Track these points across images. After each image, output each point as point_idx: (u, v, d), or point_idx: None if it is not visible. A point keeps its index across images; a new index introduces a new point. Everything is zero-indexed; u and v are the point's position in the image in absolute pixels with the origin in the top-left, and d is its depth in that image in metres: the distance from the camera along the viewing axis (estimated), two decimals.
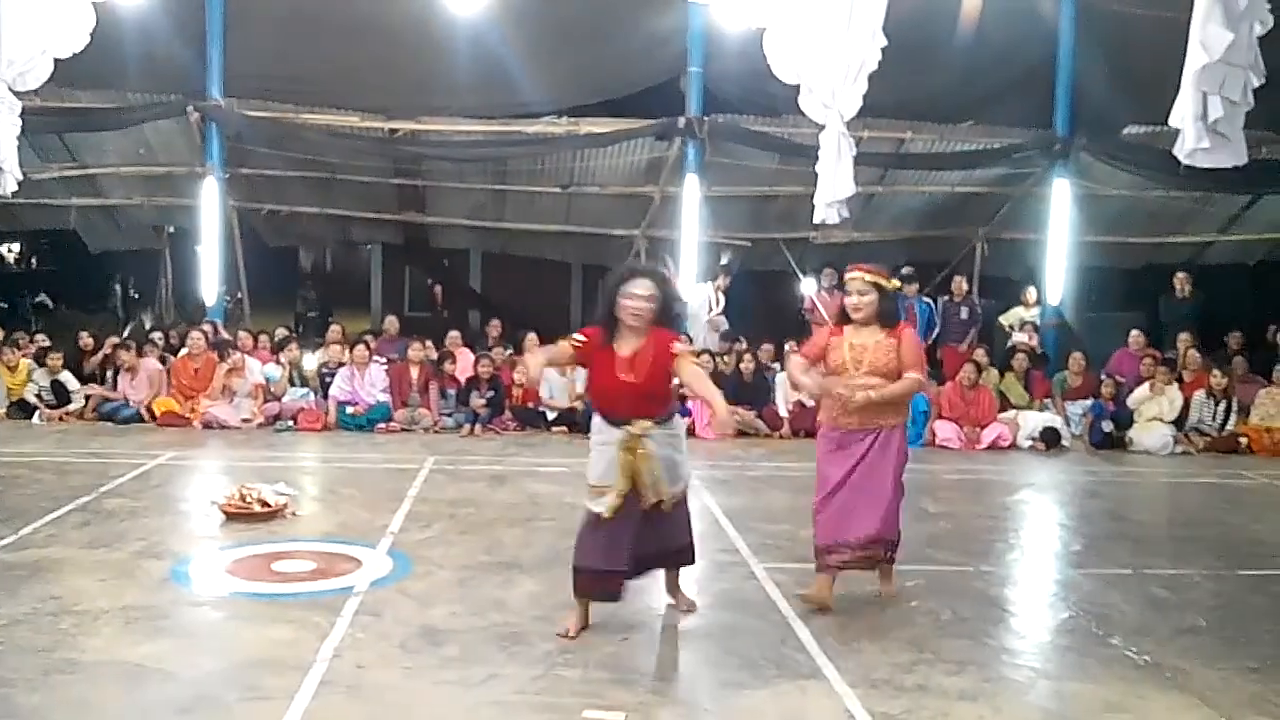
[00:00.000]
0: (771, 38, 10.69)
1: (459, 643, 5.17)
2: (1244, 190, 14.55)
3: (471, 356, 12.64)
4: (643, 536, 5.19)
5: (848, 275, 5.82)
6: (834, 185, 10.81)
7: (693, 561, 5.59)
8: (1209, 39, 5.99)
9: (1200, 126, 6.05)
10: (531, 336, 12.75)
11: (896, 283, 6.04)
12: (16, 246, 29.36)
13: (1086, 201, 14.65)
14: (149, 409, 11.66)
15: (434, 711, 4.42)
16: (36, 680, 4.59)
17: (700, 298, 13.74)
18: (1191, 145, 6.21)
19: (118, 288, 21.00)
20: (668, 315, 5.19)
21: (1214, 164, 6.25)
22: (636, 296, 5.09)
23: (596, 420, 5.31)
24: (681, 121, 13.61)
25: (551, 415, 11.86)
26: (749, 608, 5.84)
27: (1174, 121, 6.35)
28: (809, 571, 6.22)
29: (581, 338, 5.23)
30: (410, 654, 5.03)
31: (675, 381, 5.31)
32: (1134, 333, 13.21)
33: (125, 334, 14.37)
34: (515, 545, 6.99)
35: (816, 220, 11.67)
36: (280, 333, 13.52)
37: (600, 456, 5.20)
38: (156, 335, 13.19)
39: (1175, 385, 12.07)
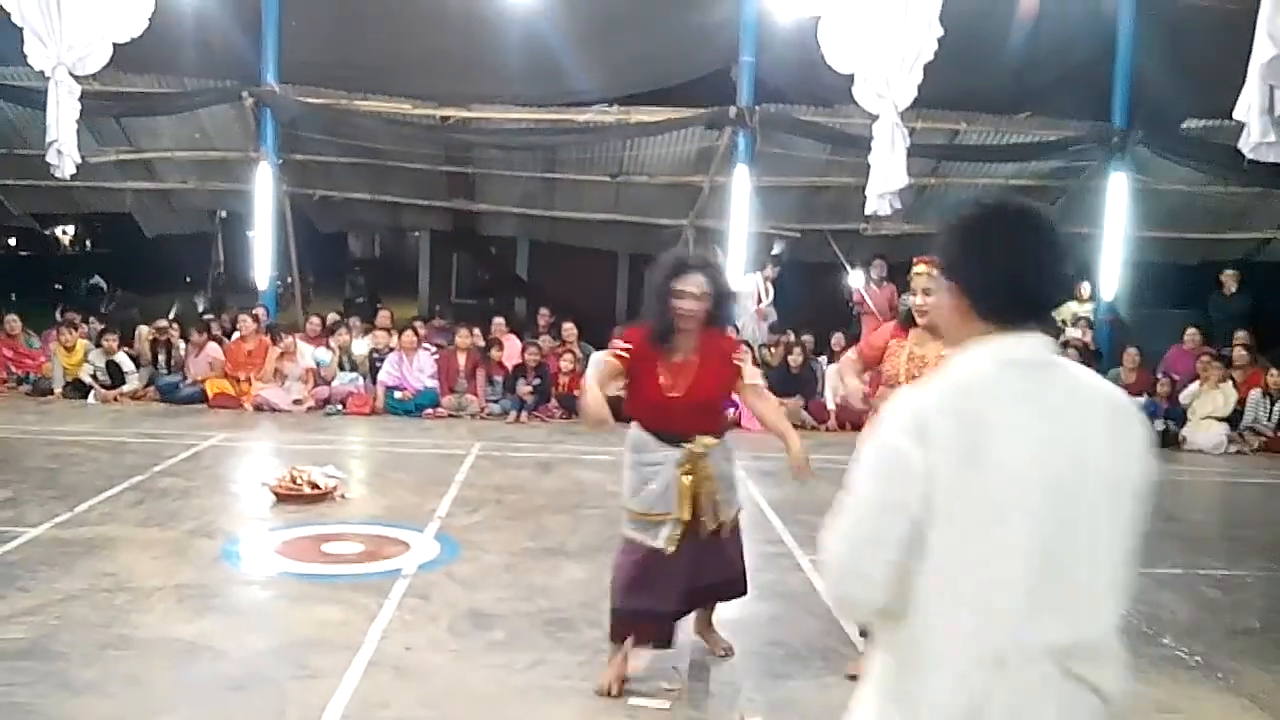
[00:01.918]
0: (827, 27, 10.64)
1: (505, 627, 5.21)
2: None
3: (518, 344, 12.70)
4: (698, 569, 4.49)
5: (914, 270, 4.79)
6: (886, 176, 10.75)
7: (745, 592, 4.84)
8: (1276, 30, 5.86)
9: (1266, 120, 5.94)
10: (569, 327, 12.79)
11: None
12: (71, 229, 29.87)
13: (1143, 196, 14.40)
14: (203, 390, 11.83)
15: (481, 694, 4.45)
16: (91, 655, 4.67)
17: (749, 287, 13.69)
18: (1257, 139, 6.10)
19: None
20: (721, 314, 4.53)
21: (1279, 158, 6.12)
22: (689, 295, 4.34)
23: (640, 436, 4.50)
24: (732, 111, 13.53)
25: None
26: (794, 599, 5.83)
27: (1239, 115, 6.24)
28: None
29: (625, 345, 4.48)
30: (457, 637, 5.07)
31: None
32: (1189, 330, 13.00)
33: (172, 315, 14.55)
34: (561, 532, 7.02)
35: (868, 211, 11.62)
36: (331, 317, 13.65)
37: (648, 479, 4.43)
38: (205, 317, 13.38)
39: (1229, 383, 11.88)
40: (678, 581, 4.44)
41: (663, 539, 4.40)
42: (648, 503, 4.43)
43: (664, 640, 4.56)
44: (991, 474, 1.87)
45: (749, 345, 12.48)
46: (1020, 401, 1.92)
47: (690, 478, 4.40)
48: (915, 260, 4.85)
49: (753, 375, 4.64)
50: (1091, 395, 1.99)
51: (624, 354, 4.46)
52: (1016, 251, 2.00)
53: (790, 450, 4.50)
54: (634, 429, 4.53)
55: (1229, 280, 13.51)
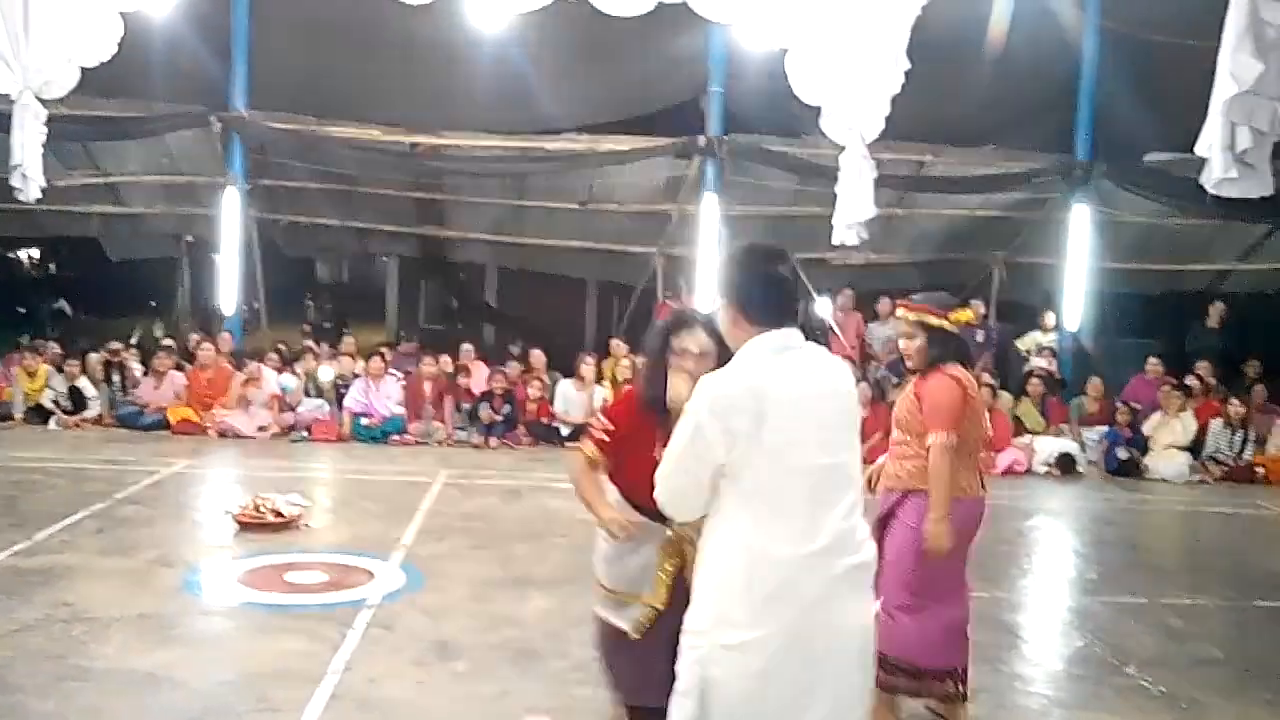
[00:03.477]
0: (794, 58, 10.71)
1: (471, 658, 5.17)
2: (1265, 219, 14.46)
3: (486, 370, 12.67)
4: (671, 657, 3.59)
5: (895, 314, 4.72)
6: (854, 207, 10.83)
7: None
8: (1239, 69, 5.98)
9: (1228, 156, 6.04)
10: (537, 354, 12.78)
11: (962, 314, 4.69)
12: (36, 253, 29.60)
13: (1106, 227, 14.59)
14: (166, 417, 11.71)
15: None
16: (48, 687, 4.60)
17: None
18: (1219, 175, 6.20)
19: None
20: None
21: (1241, 193, 6.24)
22: (689, 354, 3.74)
23: (620, 502, 3.88)
24: (701, 140, 13.62)
25: (566, 430, 11.85)
26: None
27: (1201, 150, 6.34)
28: None
29: (607, 427, 3.88)
30: (422, 668, 5.02)
31: None
32: (1151, 360, 13.15)
33: (134, 340, 14.41)
34: (528, 561, 6.99)
35: (835, 241, 11.68)
36: (297, 344, 13.57)
37: (629, 552, 3.84)
38: (170, 343, 13.25)
39: (1189, 412, 12.01)
40: (665, 669, 3.51)
41: (629, 622, 3.82)
42: (624, 580, 3.85)
43: None
44: (776, 425, 2.80)
45: None
46: (787, 374, 2.88)
47: (674, 560, 3.75)
48: (897, 302, 4.79)
49: None
50: (824, 364, 2.99)
51: (605, 440, 3.86)
52: (771, 275, 2.99)
53: None
54: (616, 494, 3.91)
55: (1215, 313, 13.67)
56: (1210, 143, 6.19)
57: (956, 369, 4.50)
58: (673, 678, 3.50)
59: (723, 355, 3.68)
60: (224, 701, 4.55)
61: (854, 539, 2.90)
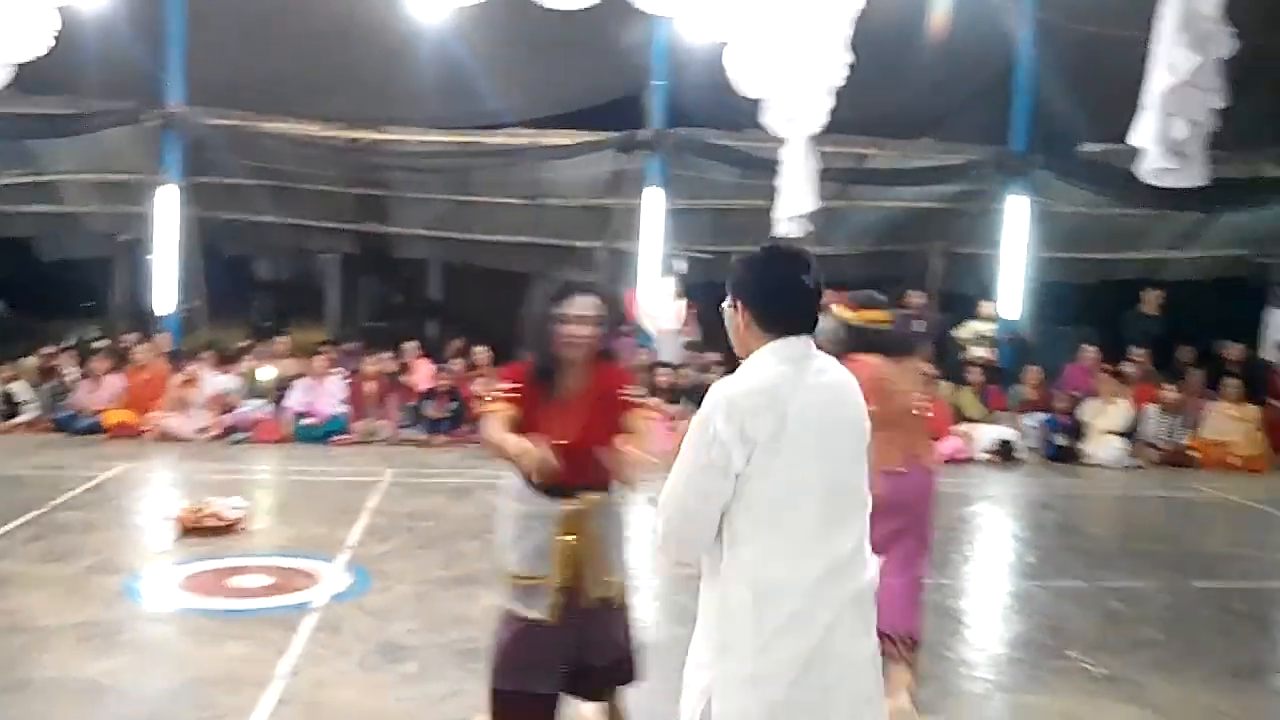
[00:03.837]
0: (733, 52, 10.74)
1: (419, 659, 5.15)
2: (1199, 208, 14.76)
3: (430, 368, 12.58)
4: (583, 646, 3.88)
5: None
6: (796, 200, 10.88)
7: (635, 678, 4.08)
8: (1175, 61, 6.09)
9: (1164, 147, 6.14)
10: (481, 350, 12.72)
11: (873, 314, 4.95)
12: None
13: (1042, 217, 14.81)
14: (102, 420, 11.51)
15: None
16: None
17: (667, 309, 13.79)
18: (1154, 165, 6.31)
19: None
20: (613, 339, 4.00)
21: (1176, 184, 6.35)
22: (578, 319, 3.78)
23: (517, 484, 3.87)
24: (644, 134, 13.64)
25: None
26: None
27: (1136, 141, 6.45)
28: None
29: (514, 386, 3.90)
30: (369, 671, 5.00)
31: None
32: (1087, 347, 13.37)
33: (65, 343, 14.12)
34: (475, 559, 6.96)
35: (778, 234, 11.72)
36: (236, 344, 13.40)
37: (524, 535, 3.86)
38: (104, 344, 13.02)
39: (1126, 398, 12.23)
40: (558, 659, 3.84)
41: (541, 609, 3.80)
42: (524, 563, 3.84)
43: None
44: (793, 437, 2.60)
45: (670, 366, 12.56)
46: (802, 385, 2.67)
47: (569, 539, 3.79)
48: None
49: (642, 400, 4.00)
50: (839, 374, 2.80)
51: (515, 394, 3.86)
52: (794, 281, 2.81)
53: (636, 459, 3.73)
54: (512, 474, 3.90)
55: (1151, 300, 13.93)
56: (1146, 134, 6.29)
57: (857, 358, 4.64)
58: (555, 668, 3.81)
59: (611, 326, 3.92)
60: (170, 709, 4.50)
61: (862, 560, 2.71)
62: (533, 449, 3.63)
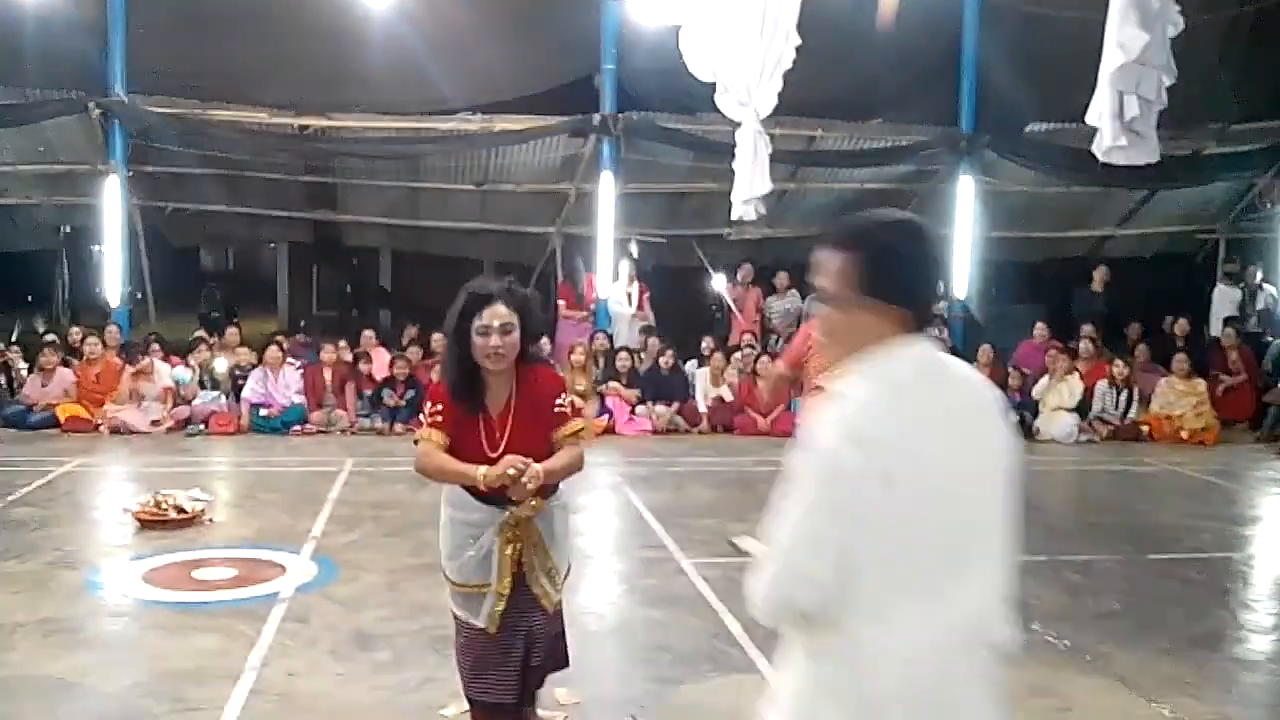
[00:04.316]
0: (687, 35, 10.75)
1: (391, 647, 5.14)
2: (1143, 185, 15.01)
3: (386, 356, 12.51)
4: (529, 650, 3.79)
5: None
6: (750, 183, 10.91)
7: (568, 663, 4.00)
8: (1126, 40, 6.17)
9: (1117, 125, 6.24)
10: (438, 337, 12.65)
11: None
12: None
13: (990, 197, 15.00)
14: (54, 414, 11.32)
15: (370, 717, 4.39)
16: None
17: (620, 293, 13.81)
18: (1109, 143, 6.40)
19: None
20: (533, 341, 3.84)
21: (1129, 161, 6.45)
22: (492, 330, 3.61)
23: (457, 492, 3.73)
24: (596, 119, 13.61)
25: None
26: (680, 603, 5.89)
27: (1090, 120, 6.54)
28: (738, 565, 6.31)
29: (437, 409, 3.74)
30: (341, 660, 4.98)
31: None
32: (1038, 325, 13.57)
33: (13, 337, 13.89)
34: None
35: (734, 217, 11.78)
36: (186, 336, 13.24)
37: (464, 542, 3.73)
38: (52, 338, 12.80)
39: (1076, 375, 12.43)
40: (512, 667, 3.76)
41: (484, 617, 3.72)
42: (465, 572, 3.73)
43: None
44: (926, 469, 2.00)
45: (628, 351, 12.59)
46: (934, 401, 2.07)
47: (513, 546, 3.69)
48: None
49: (572, 427, 3.81)
50: (976, 387, 2.18)
51: (439, 417, 3.71)
52: (925, 262, 2.15)
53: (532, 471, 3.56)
54: (450, 486, 3.79)
55: (1099, 277, 14.17)
56: (1100, 112, 6.39)
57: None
58: (510, 677, 3.72)
59: (527, 329, 3.68)
60: (140, 704, 4.45)
61: (994, 616, 2.09)
62: (489, 470, 3.53)
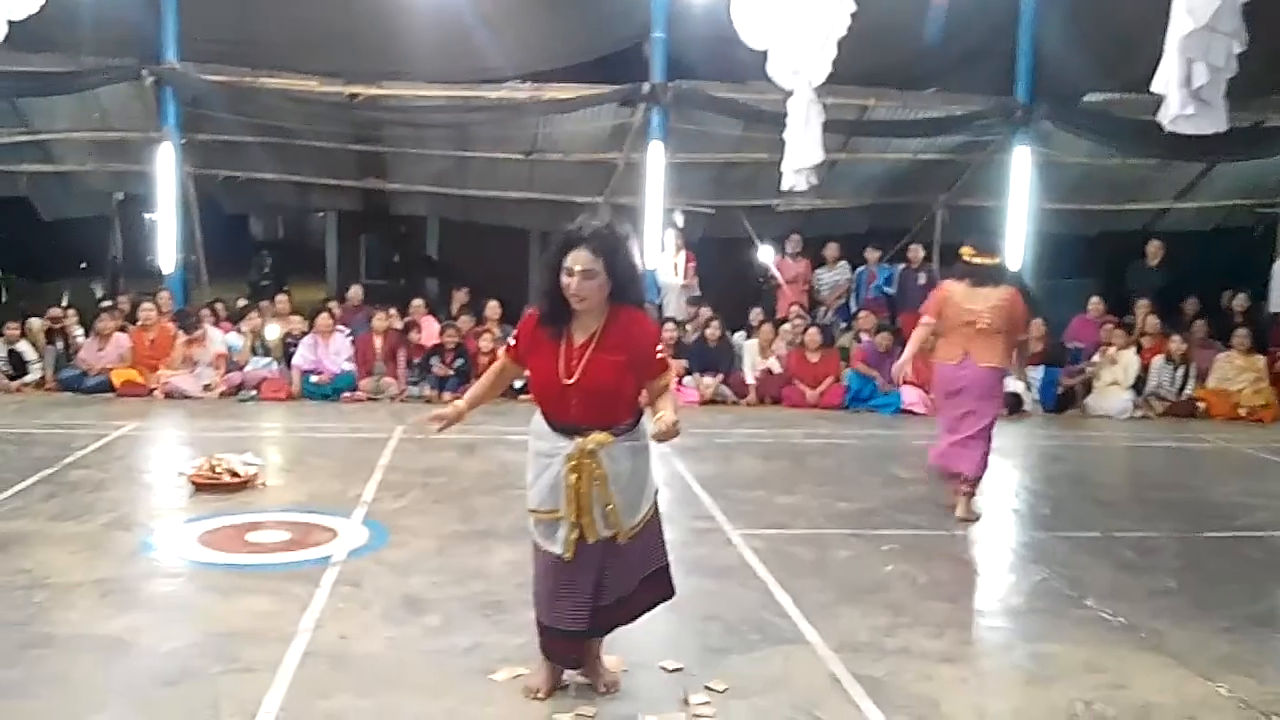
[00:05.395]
0: (740, 3, 10.64)
1: (441, 611, 5.16)
2: (1202, 158, 14.70)
3: (435, 325, 12.56)
4: (601, 583, 4.08)
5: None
6: (802, 152, 10.83)
7: (672, 593, 4.36)
8: (1195, 6, 6.00)
9: (1185, 93, 6.08)
10: (493, 305, 12.71)
11: (978, 254, 7.05)
12: None
13: (1045, 168, 14.74)
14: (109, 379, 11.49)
15: (421, 681, 4.40)
16: (13, 655, 4.52)
17: (667, 263, 13.77)
18: (1175, 112, 6.25)
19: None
20: (628, 286, 4.01)
21: (1196, 130, 6.29)
22: (574, 273, 3.87)
23: (538, 422, 4.08)
24: (646, 87, 13.52)
25: (519, 383, 11.79)
26: (728, 574, 5.87)
27: (1156, 87, 6.38)
28: (786, 537, 6.34)
29: (516, 336, 4.15)
30: (393, 624, 5.01)
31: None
32: (1093, 299, 13.38)
33: (65, 302, 14.07)
34: (490, 513, 6.97)
35: (785, 187, 11.70)
36: (241, 302, 13.36)
37: (540, 471, 4.05)
38: (110, 304, 12.98)
39: (1132, 350, 12.25)
40: (584, 597, 4.05)
41: (560, 543, 4.02)
42: (539, 497, 4.05)
43: (572, 661, 4.23)
44: None
45: (675, 322, 12.55)
46: None
47: (575, 476, 3.94)
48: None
49: (669, 377, 4.11)
50: None
51: (511, 344, 4.15)
52: None
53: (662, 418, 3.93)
54: (536, 413, 4.12)
55: (1154, 251, 13.93)
56: (1167, 79, 6.22)
57: (945, 282, 7.31)
58: (581, 602, 4.04)
59: (619, 273, 3.92)
60: (196, 663, 4.50)
61: None
62: (439, 410, 4.30)
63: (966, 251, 7.10)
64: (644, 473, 4.13)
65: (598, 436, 3.93)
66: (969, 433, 6.94)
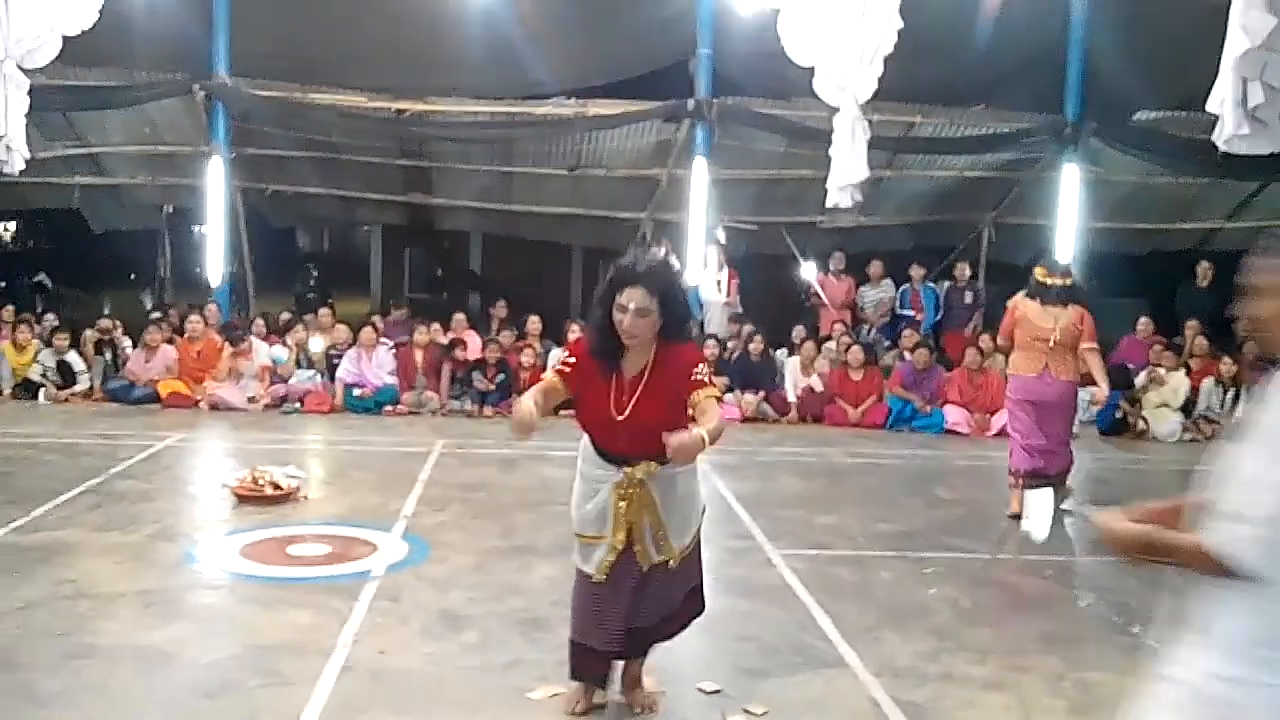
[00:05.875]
0: (787, 19, 10.63)
1: (479, 628, 5.15)
2: (1255, 177, 14.47)
3: (478, 339, 12.61)
4: (637, 606, 4.12)
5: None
6: (848, 169, 10.78)
7: (703, 609, 4.38)
8: (1251, 24, 5.90)
9: (1240, 113, 5.98)
10: (534, 320, 12.74)
11: (1049, 275, 7.65)
12: (13, 225, 29.27)
13: (1094, 186, 14.57)
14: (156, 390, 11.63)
15: (458, 698, 4.40)
16: (57, 665, 4.57)
17: (711, 280, 13.74)
18: (1231, 131, 6.14)
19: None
20: (677, 324, 4.00)
21: (1252, 150, 6.19)
22: (628, 311, 3.85)
23: (587, 447, 4.12)
24: (691, 104, 13.51)
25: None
26: (767, 594, 5.82)
27: (1212, 107, 6.28)
28: (827, 558, 6.27)
29: (569, 361, 4.08)
30: (431, 639, 5.01)
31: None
32: (1142, 319, 13.19)
33: (106, 312, 14.25)
34: (529, 530, 6.97)
35: (830, 204, 11.65)
36: (285, 315, 13.47)
37: (589, 497, 4.09)
38: (158, 316, 13.13)
39: (1181, 371, 12.06)
40: (617, 616, 4.08)
41: (594, 564, 4.07)
42: (585, 522, 4.09)
43: (599, 679, 4.25)
44: None
45: (716, 339, 12.50)
46: None
47: (625, 504, 3.99)
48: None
49: (710, 393, 3.96)
50: None
51: (565, 369, 4.06)
52: None
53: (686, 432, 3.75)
54: (584, 437, 4.16)
55: (1204, 272, 13.72)
56: (1222, 98, 6.12)
57: (1018, 298, 7.77)
58: (614, 624, 4.08)
59: (670, 311, 3.90)
60: (236, 676, 4.52)
61: None
62: (524, 406, 3.89)
63: (1040, 272, 7.67)
64: (693, 495, 4.19)
65: (647, 466, 3.95)
66: (1056, 443, 7.58)
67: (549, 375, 4.18)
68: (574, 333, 12.22)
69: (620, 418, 3.93)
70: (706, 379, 3.98)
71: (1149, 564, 2.55)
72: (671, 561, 4.11)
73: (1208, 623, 2.35)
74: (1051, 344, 7.41)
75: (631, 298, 3.84)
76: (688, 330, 4.16)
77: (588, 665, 4.22)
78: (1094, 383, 7.92)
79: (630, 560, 4.05)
